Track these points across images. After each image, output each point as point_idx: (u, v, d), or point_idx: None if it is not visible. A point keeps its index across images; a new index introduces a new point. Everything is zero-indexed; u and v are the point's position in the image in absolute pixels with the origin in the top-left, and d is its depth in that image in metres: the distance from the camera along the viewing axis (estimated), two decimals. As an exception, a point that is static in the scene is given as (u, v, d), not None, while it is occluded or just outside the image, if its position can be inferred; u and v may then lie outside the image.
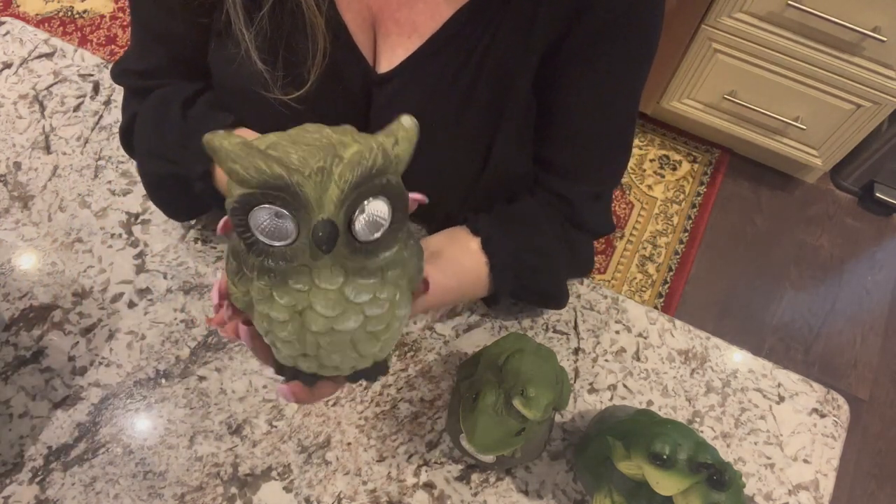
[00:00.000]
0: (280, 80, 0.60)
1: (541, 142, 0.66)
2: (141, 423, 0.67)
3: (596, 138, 0.65)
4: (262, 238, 0.36)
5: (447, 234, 0.64)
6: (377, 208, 0.37)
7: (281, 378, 0.45)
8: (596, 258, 1.51)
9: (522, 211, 0.67)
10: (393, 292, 0.40)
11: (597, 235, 0.71)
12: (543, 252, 0.66)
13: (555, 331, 0.75)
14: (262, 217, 0.35)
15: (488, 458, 0.64)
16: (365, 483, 0.66)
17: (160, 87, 0.66)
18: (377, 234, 0.37)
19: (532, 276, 0.66)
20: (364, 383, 0.70)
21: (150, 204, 0.76)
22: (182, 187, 0.64)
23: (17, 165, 0.79)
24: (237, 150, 0.34)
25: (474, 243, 0.63)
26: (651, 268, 1.78)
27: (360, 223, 0.36)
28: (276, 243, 0.36)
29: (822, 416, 0.73)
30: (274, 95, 0.60)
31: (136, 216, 0.77)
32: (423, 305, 0.54)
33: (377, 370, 0.44)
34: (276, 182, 0.34)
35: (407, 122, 0.37)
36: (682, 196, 1.89)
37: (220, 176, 0.61)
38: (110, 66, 0.87)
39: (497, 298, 0.66)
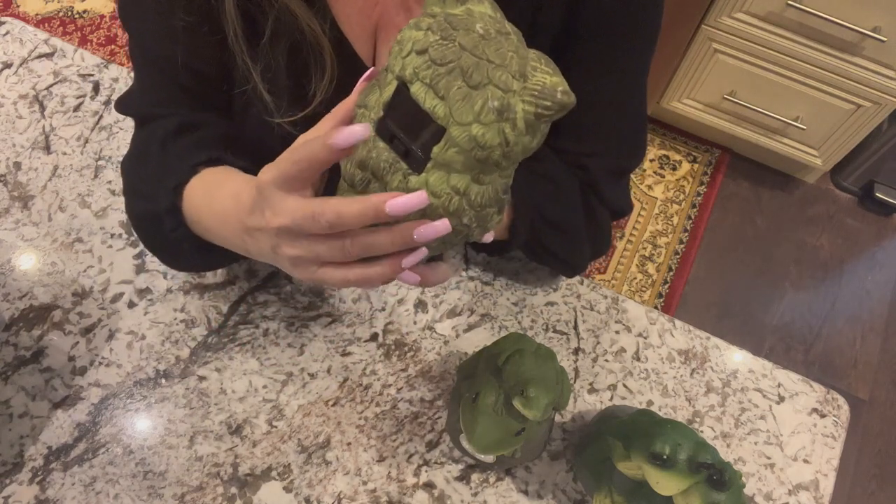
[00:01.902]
0: (284, 107, 0.59)
1: (554, 132, 0.67)
2: (141, 423, 0.67)
3: (610, 123, 0.66)
4: None
5: None
6: None
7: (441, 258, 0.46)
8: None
9: (543, 165, 0.67)
10: None
11: (615, 213, 0.71)
12: (557, 179, 0.66)
13: (555, 331, 0.75)
14: None
15: (488, 458, 0.64)
16: (365, 483, 0.66)
17: (163, 116, 0.62)
18: None
19: (549, 203, 0.66)
20: (364, 383, 0.70)
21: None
22: (161, 227, 0.58)
23: (17, 165, 0.79)
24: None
25: None
26: (651, 268, 1.78)
27: None
28: None
29: (822, 416, 0.73)
30: (279, 120, 0.59)
31: (136, 216, 0.77)
32: None
33: None
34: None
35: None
36: (682, 196, 1.89)
37: (190, 212, 0.55)
38: (110, 66, 0.88)
39: (515, 227, 0.65)
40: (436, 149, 0.38)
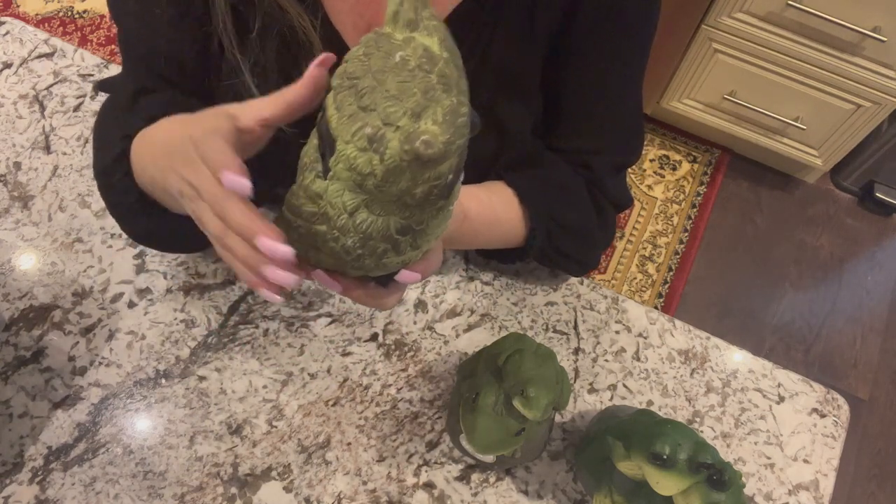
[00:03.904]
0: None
1: (554, 131, 0.68)
2: (141, 423, 0.67)
3: (609, 120, 0.67)
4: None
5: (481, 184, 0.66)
6: None
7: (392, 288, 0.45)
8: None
9: (542, 160, 0.68)
10: None
11: (619, 206, 0.72)
12: (566, 185, 0.67)
13: (555, 331, 0.75)
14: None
15: (488, 458, 0.64)
16: (365, 483, 0.66)
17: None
18: None
19: (562, 209, 0.67)
20: (364, 383, 0.70)
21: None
22: (110, 179, 0.58)
23: (17, 165, 0.79)
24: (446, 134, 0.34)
25: (501, 182, 0.65)
26: (651, 268, 1.78)
27: None
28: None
29: (822, 416, 0.73)
30: None
31: (136, 216, 0.77)
32: (461, 234, 0.58)
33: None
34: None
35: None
36: (682, 196, 1.89)
37: (133, 155, 0.54)
38: (110, 66, 0.88)
39: (533, 235, 0.66)
40: (331, 160, 0.37)
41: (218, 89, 0.63)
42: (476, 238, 0.64)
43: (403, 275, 0.43)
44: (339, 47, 0.60)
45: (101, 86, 0.66)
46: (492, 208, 0.64)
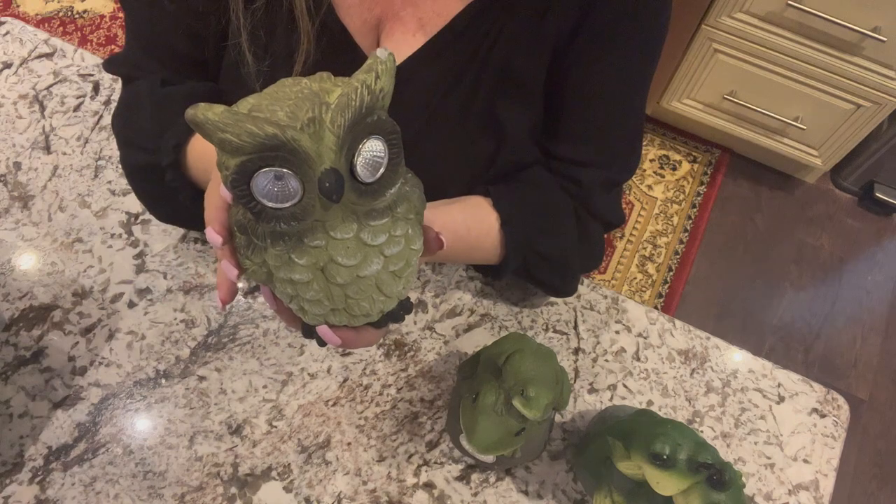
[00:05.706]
0: (263, 75, 0.60)
1: (551, 136, 0.67)
2: (141, 423, 0.67)
3: (607, 131, 0.65)
4: (268, 203, 0.36)
5: (459, 198, 0.66)
6: (374, 147, 0.37)
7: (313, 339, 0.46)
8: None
9: (534, 178, 0.67)
10: (405, 228, 0.41)
11: (608, 225, 0.71)
12: (553, 211, 0.67)
13: (555, 331, 0.75)
14: (264, 181, 0.35)
15: (488, 458, 0.64)
16: (365, 483, 0.66)
17: (145, 78, 0.65)
18: (379, 173, 0.37)
19: (543, 238, 0.66)
20: (364, 383, 0.70)
21: (150, 204, 0.76)
22: (157, 178, 0.62)
23: (17, 165, 0.79)
24: (223, 118, 0.34)
25: (486, 202, 0.64)
26: (651, 268, 1.78)
27: (361, 165, 0.36)
28: (284, 205, 0.36)
29: (822, 416, 0.73)
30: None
31: (136, 216, 0.77)
32: (431, 258, 0.58)
33: (403, 309, 0.44)
34: (271, 142, 0.34)
35: (383, 54, 0.37)
36: (682, 196, 1.89)
37: (191, 163, 0.59)
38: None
39: (507, 262, 0.65)
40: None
41: (222, 49, 0.64)
42: (447, 259, 0.69)
43: (323, 329, 0.44)
44: (345, 44, 0.60)
45: (107, 66, 0.68)
46: (468, 240, 0.63)
